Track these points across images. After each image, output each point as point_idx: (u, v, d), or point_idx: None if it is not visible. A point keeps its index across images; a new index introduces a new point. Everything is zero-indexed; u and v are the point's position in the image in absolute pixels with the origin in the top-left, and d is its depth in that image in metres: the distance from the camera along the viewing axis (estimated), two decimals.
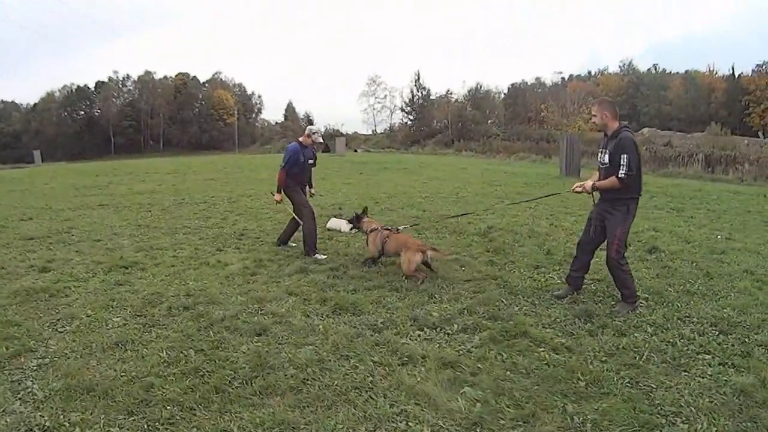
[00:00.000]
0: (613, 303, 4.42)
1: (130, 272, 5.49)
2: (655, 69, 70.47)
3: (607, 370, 3.22)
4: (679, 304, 4.44)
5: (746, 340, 3.70)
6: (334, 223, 7.90)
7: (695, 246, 6.84)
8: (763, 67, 57.80)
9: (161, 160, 36.36)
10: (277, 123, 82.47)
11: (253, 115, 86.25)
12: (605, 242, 4.41)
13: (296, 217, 6.34)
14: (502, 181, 15.84)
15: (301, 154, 6.26)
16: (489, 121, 54.45)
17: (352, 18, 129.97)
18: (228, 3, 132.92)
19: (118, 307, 4.39)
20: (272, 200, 6.53)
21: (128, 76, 80.00)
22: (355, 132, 64.94)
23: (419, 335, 3.74)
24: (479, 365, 3.29)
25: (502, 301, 4.48)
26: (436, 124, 58.50)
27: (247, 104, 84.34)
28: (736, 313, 4.22)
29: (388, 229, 5.63)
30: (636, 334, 3.76)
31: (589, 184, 4.32)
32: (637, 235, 7.36)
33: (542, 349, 3.53)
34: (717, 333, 3.83)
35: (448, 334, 3.79)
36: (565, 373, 3.17)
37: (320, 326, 3.91)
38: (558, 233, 7.44)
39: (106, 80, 79.05)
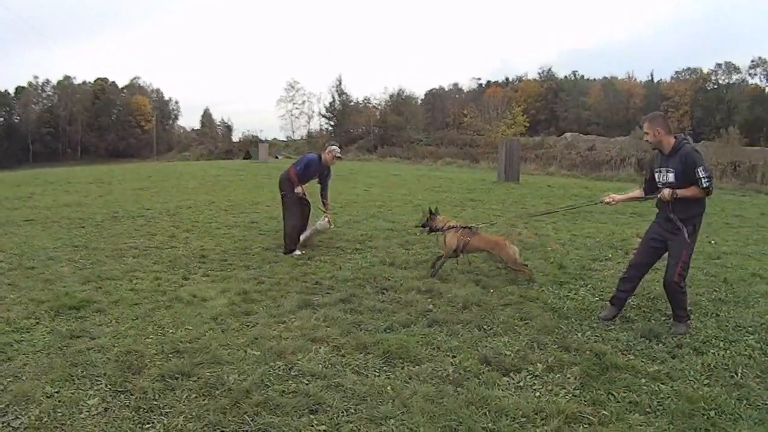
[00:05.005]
0: (665, 320, 4.21)
1: (85, 316, 4.18)
2: (574, 75, 74.30)
3: (720, 395, 3.00)
4: (721, 314, 4.39)
5: None
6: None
7: None
8: (682, 73, 62.91)
9: (81, 168, 32.22)
10: (193, 129, 78.66)
11: (170, 122, 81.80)
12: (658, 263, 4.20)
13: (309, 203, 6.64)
14: (445, 187, 15.64)
15: (316, 166, 6.56)
16: (408, 127, 54.68)
17: (269, 22, 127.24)
18: (148, 6, 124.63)
19: (87, 378, 3.11)
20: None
21: (48, 81, 74.25)
22: (275, 138, 63.62)
23: (507, 382, 3.10)
24: (604, 411, 2.80)
25: (561, 328, 3.98)
26: (357, 130, 58.08)
27: (165, 110, 79.91)
28: None
29: (468, 228, 5.65)
30: (712, 351, 3.63)
31: (667, 192, 3.86)
32: (626, 243, 7.24)
33: (644, 380, 3.18)
34: None
35: (537, 376, 3.20)
36: (689, 406, 2.87)
37: (387, 387, 3.00)
38: (551, 244, 7.12)
39: (26, 85, 72.84)
